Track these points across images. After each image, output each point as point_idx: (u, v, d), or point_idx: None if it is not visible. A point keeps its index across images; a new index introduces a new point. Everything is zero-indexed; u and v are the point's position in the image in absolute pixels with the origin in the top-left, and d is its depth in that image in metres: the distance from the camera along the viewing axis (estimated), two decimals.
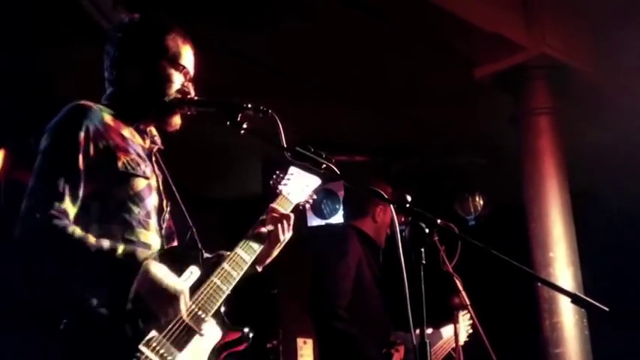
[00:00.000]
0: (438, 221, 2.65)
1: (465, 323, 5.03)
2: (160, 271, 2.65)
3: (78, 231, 2.62)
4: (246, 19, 6.28)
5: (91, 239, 2.62)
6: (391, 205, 2.74)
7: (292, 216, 3.16)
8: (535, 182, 6.69)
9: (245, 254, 2.98)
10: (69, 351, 2.62)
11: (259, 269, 3.15)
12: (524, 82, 6.86)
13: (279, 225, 3.11)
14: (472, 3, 6.30)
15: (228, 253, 2.98)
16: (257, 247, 3.04)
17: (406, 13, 6.28)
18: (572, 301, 2.55)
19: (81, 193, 2.71)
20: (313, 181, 3.43)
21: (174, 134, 3.05)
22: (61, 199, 2.66)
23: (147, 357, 2.54)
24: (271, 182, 3.35)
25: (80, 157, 2.72)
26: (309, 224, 8.32)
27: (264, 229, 3.08)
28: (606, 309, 2.47)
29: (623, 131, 8.08)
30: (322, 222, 8.23)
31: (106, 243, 2.64)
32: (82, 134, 2.73)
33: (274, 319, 8.43)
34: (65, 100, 2.87)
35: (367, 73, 7.26)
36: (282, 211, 3.15)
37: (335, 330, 4.62)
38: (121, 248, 2.65)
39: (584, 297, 2.54)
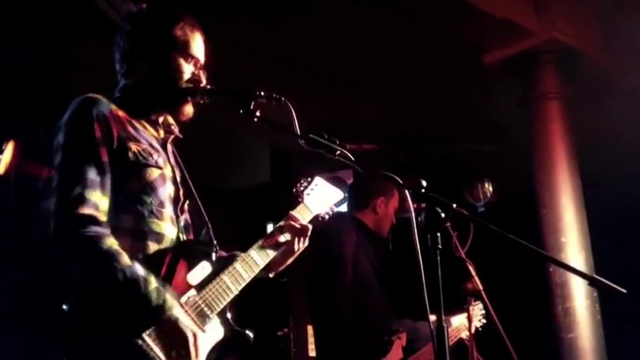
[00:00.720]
0: (454, 206, 2.64)
1: (477, 312, 5.04)
2: (183, 318, 2.64)
3: (112, 244, 2.59)
4: (256, 9, 6.27)
5: (125, 261, 2.58)
6: (406, 191, 2.73)
7: (310, 227, 3.14)
8: (546, 168, 6.69)
9: (259, 258, 2.97)
10: (72, 333, 2.61)
11: (271, 275, 3.14)
12: (533, 67, 6.84)
13: (297, 235, 3.10)
14: None
15: (242, 254, 2.97)
16: (271, 253, 3.02)
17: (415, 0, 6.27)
18: (590, 284, 2.56)
19: (109, 183, 2.70)
20: (336, 194, 3.42)
21: (187, 123, 3.06)
22: (93, 191, 2.64)
23: (149, 346, 2.54)
24: (294, 189, 3.33)
25: (102, 149, 2.71)
26: None
27: (281, 237, 3.07)
28: (624, 291, 2.47)
29: (632, 116, 8.06)
30: None
31: (140, 271, 2.59)
32: (96, 125, 2.72)
33: (284, 307, 8.47)
34: (74, 92, 2.87)
35: (375, 60, 7.24)
36: (302, 221, 3.13)
37: (334, 322, 4.65)
38: (152, 284, 2.59)
39: (602, 279, 2.53)
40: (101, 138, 2.71)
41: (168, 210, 2.86)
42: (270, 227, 3.15)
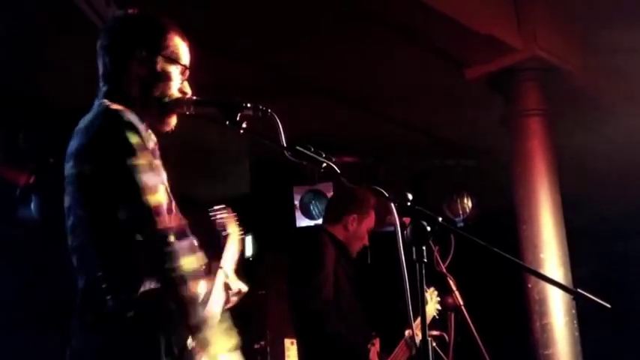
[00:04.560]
0: (440, 219, 2.64)
1: (433, 298, 5.11)
2: None
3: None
4: (234, 15, 6.24)
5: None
6: (392, 203, 2.73)
7: (245, 290, 3.19)
8: (526, 184, 6.71)
9: None
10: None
11: None
12: (515, 83, 6.86)
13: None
14: (464, 4, 6.30)
15: None
16: None
17: (398, 14, 6.27)
18: (574, 298, 2.57)
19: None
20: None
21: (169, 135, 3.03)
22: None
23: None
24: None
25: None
26: (297, 225, 8.32)
27: None
28: (608, 306, 2.48)
29: (612, 134, 8.13)
30: (311, 222, 8.24)
31: None
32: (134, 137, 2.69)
33: (262, 320, 8.44)
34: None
35: (356, 72, 7.25)
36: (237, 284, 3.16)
37: (325, 331, 4.65)
38: None
39: (586, 293, 2.54)
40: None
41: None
42: (249, 239, 3.16)
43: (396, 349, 4.92)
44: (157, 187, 2.62)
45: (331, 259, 4.84)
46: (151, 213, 2.56)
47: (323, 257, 4.79)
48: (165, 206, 2.63)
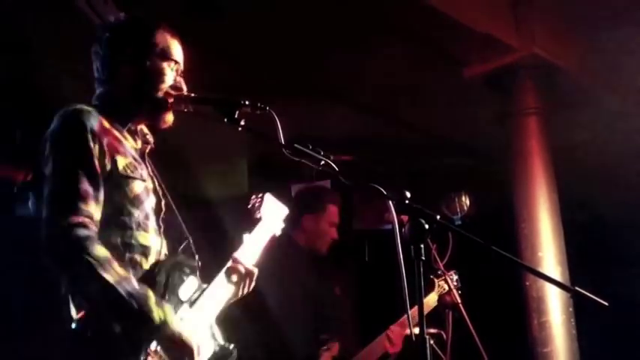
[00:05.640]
0: (438, 217, 2.65)
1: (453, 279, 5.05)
2: (185, 331, 2.66)
3: (102, 252, 2.57)
4: (234, 15, 6.23)
5: (119, 270, 2.57)
6: (390, 202, 2.73)
7: (255, 272, 3.10)
8: (524, 183, 6.72)
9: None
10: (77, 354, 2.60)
11: None
12: (513, 82, 6.88)
13: (242, 280, 3.06)
14: (462, 3, 6.30)
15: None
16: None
17: (396, 12, 6.26)
18: (572, 296, 2.57)
19: (102, 195, 2.68)
20: (284, 210, 3.39)
21: (165, 132, 3.04)
22: (87, 202, 2.62)
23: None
24: (250, 206, 3.32)
25: (95, 160, 2.69)
26: None
27: (231, 278, 3.04)
28: (605, 304, 2.49)
29: (609, 133, 8.13)
30: None
31: (136, 284, 2.59)
32: (89, 137, 2.70)
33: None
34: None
35: (354, 71, 7.24)
36: (247, 265, 3.08)
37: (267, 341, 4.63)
38: (152, 299, 2.59)
39: (583, 291, 2.55)
40: (93, 150, 2.70)
41: (152, 221, 2.87)
42: (246, 237, 3.14)
43: (372, 343, 4.89)
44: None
45: (280, 265, 4.77)
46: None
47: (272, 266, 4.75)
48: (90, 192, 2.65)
